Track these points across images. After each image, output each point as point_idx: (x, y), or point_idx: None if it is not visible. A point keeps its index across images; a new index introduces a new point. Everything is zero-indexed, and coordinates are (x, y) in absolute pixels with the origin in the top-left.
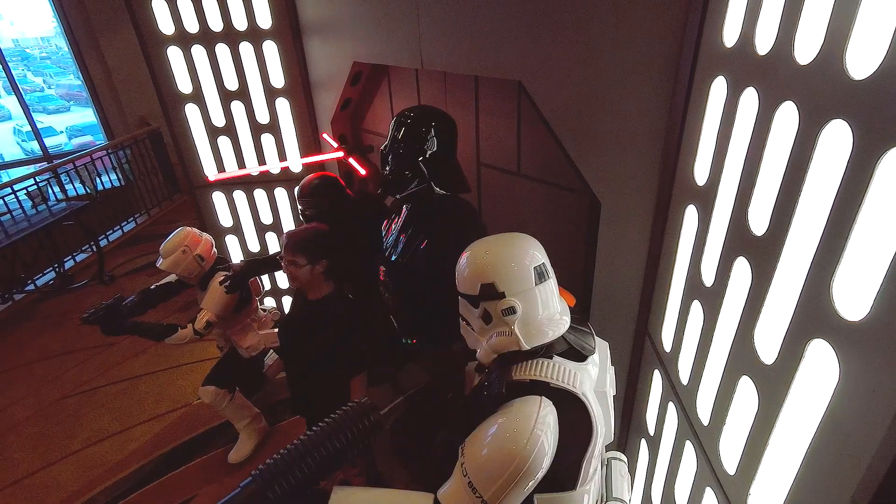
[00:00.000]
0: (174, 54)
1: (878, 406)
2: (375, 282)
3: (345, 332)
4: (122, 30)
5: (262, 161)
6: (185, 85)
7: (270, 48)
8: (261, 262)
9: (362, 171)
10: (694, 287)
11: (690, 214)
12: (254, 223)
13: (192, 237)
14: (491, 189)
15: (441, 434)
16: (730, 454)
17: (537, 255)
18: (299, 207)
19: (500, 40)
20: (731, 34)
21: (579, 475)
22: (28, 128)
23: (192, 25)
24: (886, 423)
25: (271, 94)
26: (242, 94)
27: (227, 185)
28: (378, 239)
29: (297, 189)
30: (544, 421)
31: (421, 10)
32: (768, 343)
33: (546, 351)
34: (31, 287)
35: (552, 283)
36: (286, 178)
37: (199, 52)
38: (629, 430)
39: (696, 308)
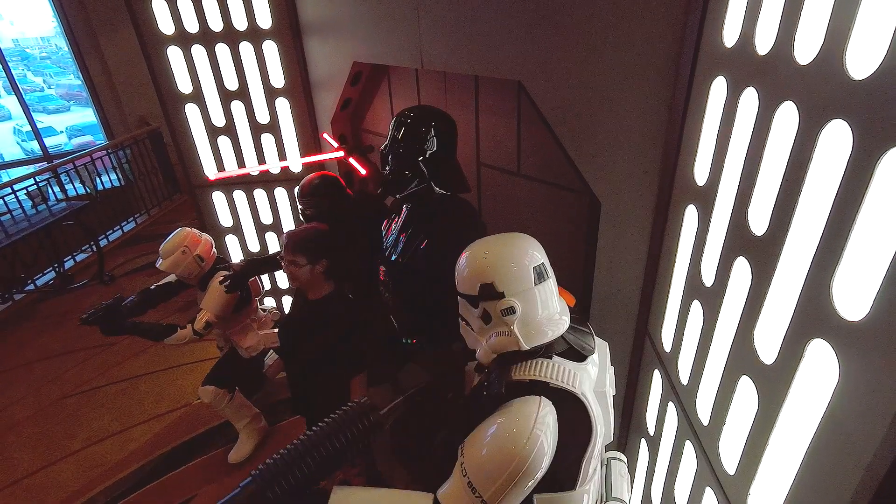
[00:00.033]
0: (174, 54)
1: (878, 406)
2: (375, 282)
3: (345, 332)
4: (122, 30)
5: (262, 161)
6: (185, 85)
7: (270, 48)
8: (261, 262)
9: (363, 171)
10: (694, 287)
11: (690, 214)
12: (254, 223)
13: (191, 238)
14: (491, 189)
15: (441, 434)
16: (730, 454)
17: (536, 255)
18: (299, 207)
19: (499, 40)
20: (731, 34)
21: (579, 475)
22: (28, 128)
23: (192, 25)
24: (886, 423)
25: (271, 94)
26: (242, 94)
27: (227, 185)
28: (378, 239)
29: (297, 189)
30: (544, 421)
31: (421, 10)
32: (768, 343)
33: (545, 351)
34: (31, 287)
35: (551, 283)
36: (286, 178)
37: (199, 51)
38: (629, 429)
39: (696, 308)
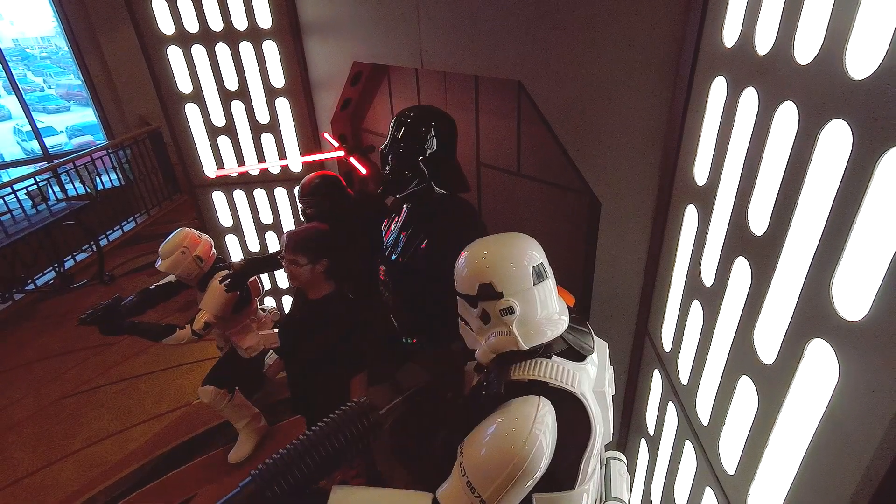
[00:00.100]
0: (174, 54)
1: (878, 406)
2: (375, 281)
3: (345, 332)
4: (122, 29)
5: (262, 161)
6: (185, 84)
7: (270, 48)
8: (261, 262)
9: (363, 171)
10: (694, 287)
11: (690, 214)
12: (254, 223)
13: (191, 238)
14: (491, 189)
15: (440, 434)
16: (729, 454)
17: (535, 254)
18: (300, 207)
19: (499, 40)
20: (731, 34)
21: (578, 475)
22: (28, 127)
23: (192, 25)
24: (886, 423)
25: (271, 93)
26: (242, 93)
27: (227, 185)
28: (378, 238)
29: (297, 188)
30: (543, 421)
31: (421, 10)
32: (768, 343)
33: (545, 351)
34: (31, 287)
35: (550, 282)
36: (286, 178)
37: (199, 51)
38: (629, 429)
39: (696, 308)
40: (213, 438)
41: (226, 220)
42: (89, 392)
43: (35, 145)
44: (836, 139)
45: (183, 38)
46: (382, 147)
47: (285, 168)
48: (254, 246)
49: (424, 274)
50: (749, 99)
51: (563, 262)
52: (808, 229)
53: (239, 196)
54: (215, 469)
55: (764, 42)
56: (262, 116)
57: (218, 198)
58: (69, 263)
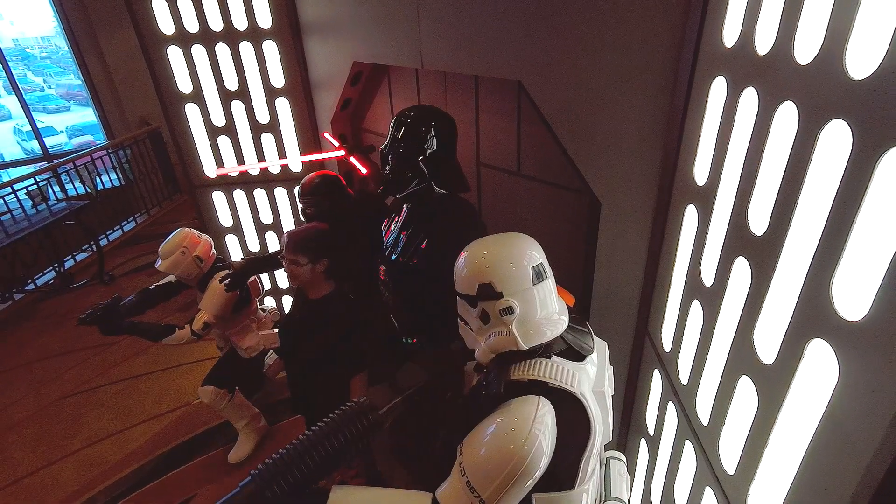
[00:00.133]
0: (174, 54)
1: (878, 406)
2: (375, 281)
3: (345, 332)
4: (122, 29)
5: (262, 161)
6: (185, 84)
7: (270, 48)
8: (261, 261)
9: (363, 170)
10: (694, 287)
11: (690, 214)
12: (254, 223)
13: (190, 238)
14: (491, 189)
15: (440, 434)
16: (729, 454)
17: (535, 254)
18: (300, 206)
19: (499, 40)
20: (730, 34)
21: (577, 474)
22: (28, 127)
23: (192, 25)
24: (886, 423)
25: (271, 93)
26: (242, 93)
27: (227, 185)
28: (378, 238)
29: (297, 188)
30: (542, 421)
31: (421, 10)
32: (768, 343)
33: (544, 351)
34: (31, 287)
35: (550, 282)
36: (286, 178)
37: (199, 51)
38: (629, 429)
39: (696, 308)
40: (213, 438)
41: (226, 220)
42: (89, 392)
43: (35, 145)
44: (836, 139)
45: (183, 38)
46: (382, 147)
47: (285, 168)
48: (254, 246)
49: (424, 274)
50: (749, 99)
51: (563, 262)
52: (808, 229)
53: (239, 196)
54: (215, 469)
55: (764, 42)
56: (262, 116)
57: (218, 198)
58: (69, 263)
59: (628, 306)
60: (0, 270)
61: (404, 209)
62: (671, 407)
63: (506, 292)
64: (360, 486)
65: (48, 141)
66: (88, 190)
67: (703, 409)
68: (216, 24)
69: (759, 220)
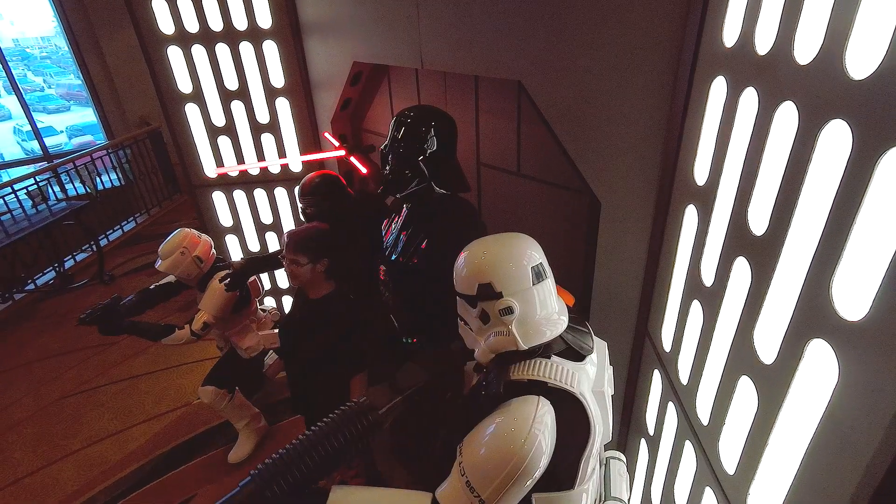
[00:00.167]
0: (174, 54)
1: (878, 406)
2: (376, 281)
3: (345, 332)
4: (122, 29)
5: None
6: (185, 84)
7: (270, 48)
8: (261, 261)
9: (364, 170)
10: (694, 287)
11: (690, 214)
12: (254, 223)
13: (190, 238)
14: (491, 189)
15: (440, 434)
16: (729, 454)
17: (535, 254)
18: (300, 206)
19: (499, 40)
20: (731, 34)
21: (577, 474)
22: (28, 127)
23: (192, 25)
24: (886, 423)
25: (271, 93)
26: (242, 93)
27: (227, 185)
28: (378, 238)
29: (297, 188)
30: (542, 421)
31: (421, 10)
32: (768, 343)
33: (544, 351)
34: (31, 287)
35: (550, 282)
36: (286, 178)
37: (199, 51)
38: (629, 429)
39: (696, 308)
40: (213, 438)
41: (226, 220)
42: (89, 392)
43: (35, 145)
44: (836, 139)
45: (183, 38)
46: (382, 147)
47: (285, 168)
48: (254, 246)
49: (424, 274)
50: (749, 99)
51: (563, 262)
52: (808, 229)
53: (239, 196)
54: (215, 469)
55: (764, 42)
56: (262, 116)
57: (218, 198)
58: (69, 263)
59: (628, 306)
60: (0, 270)
61: (404, 209)
62: (671, 407)
63: (505, 292)
64: (360, 486)
65: (48, 141)
66: (88, 190)
67: (703, 409)
68: (216, 24)
69: (759, 220)
